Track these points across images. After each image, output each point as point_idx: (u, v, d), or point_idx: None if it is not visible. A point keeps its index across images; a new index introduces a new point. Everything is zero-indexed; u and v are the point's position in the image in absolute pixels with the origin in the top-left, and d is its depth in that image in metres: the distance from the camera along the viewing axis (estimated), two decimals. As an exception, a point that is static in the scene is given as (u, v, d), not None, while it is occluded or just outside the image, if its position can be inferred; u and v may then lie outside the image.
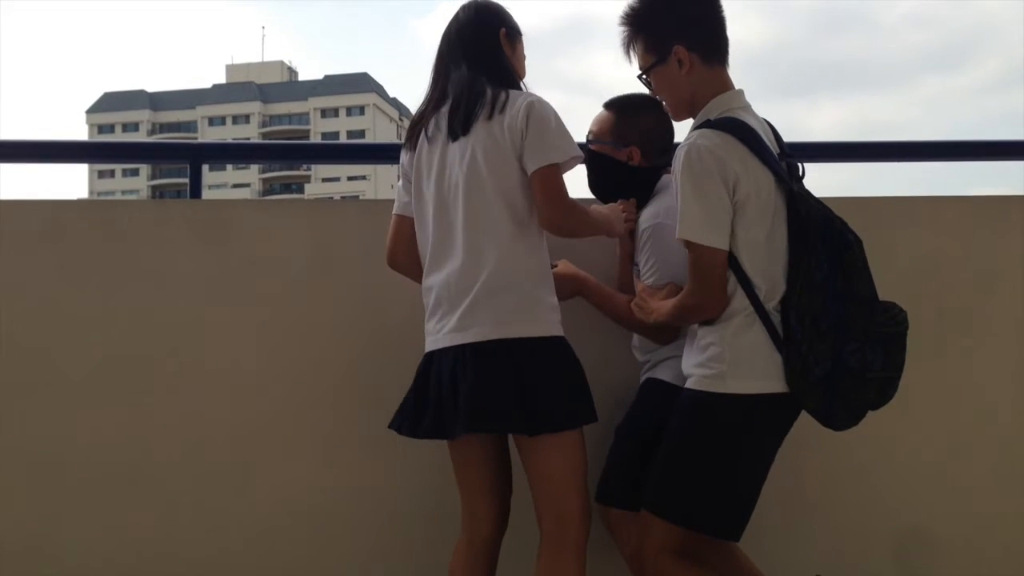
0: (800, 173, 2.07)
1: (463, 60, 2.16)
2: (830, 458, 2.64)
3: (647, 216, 2.35)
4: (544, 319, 2.06)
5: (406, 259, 2.25)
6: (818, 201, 2.01)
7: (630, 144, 2.39)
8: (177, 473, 2.59)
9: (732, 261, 1.98)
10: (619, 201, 2.41)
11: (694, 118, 2.14)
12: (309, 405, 2.61)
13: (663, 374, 2.33)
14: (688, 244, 1.98)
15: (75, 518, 2.56)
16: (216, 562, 2.58)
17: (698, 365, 2.02)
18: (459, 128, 2.10)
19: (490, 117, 2.07)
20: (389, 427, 2.15)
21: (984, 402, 2.80)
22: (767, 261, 1.97)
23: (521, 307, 2.03)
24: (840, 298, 1.94)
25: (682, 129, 2.22)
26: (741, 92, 2.12)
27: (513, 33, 2.23)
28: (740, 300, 1.98)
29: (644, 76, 2.17)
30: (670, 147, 2.43)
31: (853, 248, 1.97)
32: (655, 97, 2.23)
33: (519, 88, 2.17)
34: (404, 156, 2.25)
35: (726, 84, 2.12)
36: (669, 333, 2.30)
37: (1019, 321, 2.83)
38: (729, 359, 1.96)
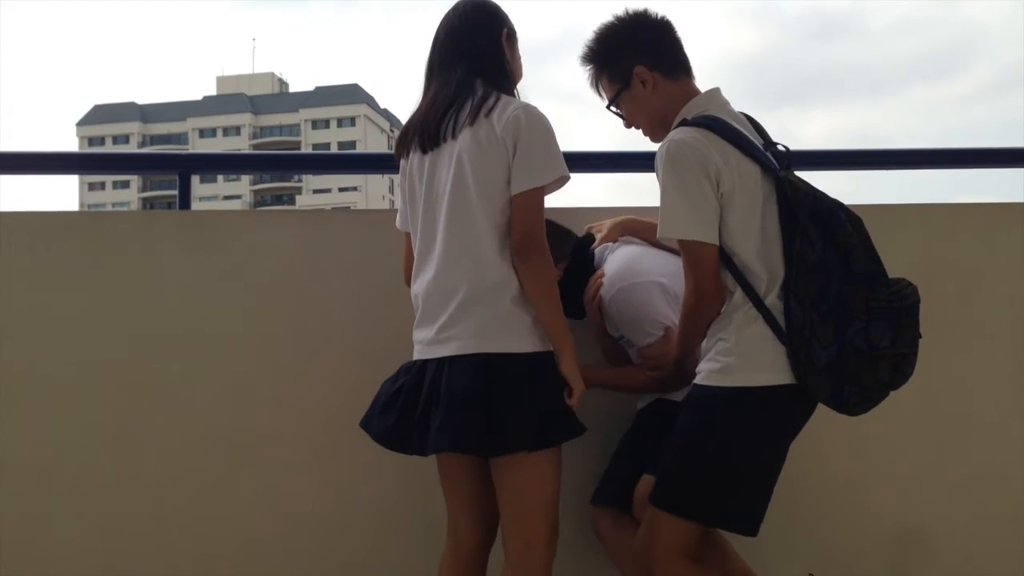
0: (787, 161, 2.06)
1: (458, 62, 2.10)
2: (822, 459, 2.64)
3: (603, 293, 2.31)
4: (525, 334, 1.98)
5: None
6: (809, 185, 2.00)
7: None
8: (166, 480, 2.57)
9: (726, 257, 1.97)
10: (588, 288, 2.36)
11: None
12: (298, 413, 2.60)
13: (677, 396, 2.29)
14: (680, 243, 1.97)
15: (65, 525, 2.54)
16: (204, 568, 2.57)
17: (706, 360, 2.00)
18: (447, 133, 2.05)
19: (474, 122, 2.01)
20: (362, 426, 2.12)
21: (974, 406, 2.82)
22: (765, 250, 1.96)
23: (500, 321, 1.97)
24: (837, 278, 1.92)
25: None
26: (716, 91, 2.14)
27: (513, 35, 2.17)
28: (739, 296, 1.97)
29: (613, 107, 2.20)
30: (567, 231, 2.42)
31: (845, 225, 1.95)
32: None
33: (512, 93, 2.11)
34: (401, 165, 2.20)
35: (694, 93, 2.14)
36: (691, 366, 2.23)
37: (1009, 327, 2.84)
38: (737, 351, 1.94)
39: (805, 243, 1.92)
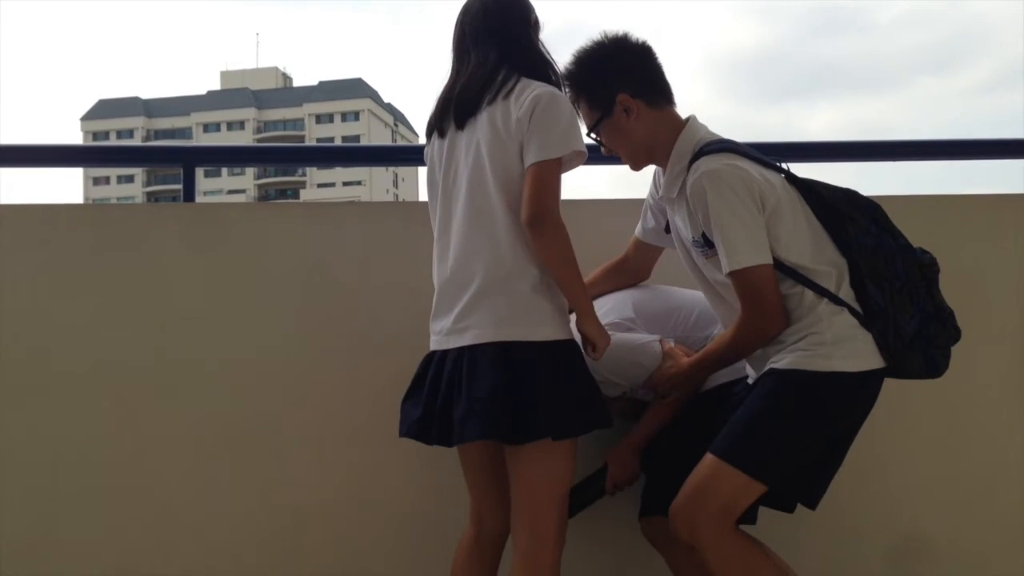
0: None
1: (490, 43, 2.06)
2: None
3: None
4: (546, 322, 1.97)
5: None
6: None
7: None
8: (172, 475, 2.58)
9: (788, 268, 1.99)
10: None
11: (656, 164, 2.16)
12: (305, 408, 2.60)
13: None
14: (735, 272, 1.96)
15: (70, 520, 2.55)
16: (212, 564, 2.57)
17: (794, 350, 1.99)
18: (463, 116, 2.04)
19: (493, 103, 1.99)
20: (402, 436, 2.09)
21: (980, 403, 2.79)
22: (818, 249, 2.01)
23: (520, 309, 1.95)
24: (897, 253, 2.02)
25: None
26: (695, 118, 2.14)
27: (538, 23, 2.14)
28: (812, 296, 1.99)
29: (593, 134, 2.16)
30: None
31: (879, 206, 2.06)
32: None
33: (552, 80, 2.07)
34: (425, 152, 2.19)
35: (681, 122, 2.13)
36: (701, 381, 2.25)
37: (1014, 321, 2.82)
38: (831, 340, 1.97)
39: (858, 231, 2.00)
